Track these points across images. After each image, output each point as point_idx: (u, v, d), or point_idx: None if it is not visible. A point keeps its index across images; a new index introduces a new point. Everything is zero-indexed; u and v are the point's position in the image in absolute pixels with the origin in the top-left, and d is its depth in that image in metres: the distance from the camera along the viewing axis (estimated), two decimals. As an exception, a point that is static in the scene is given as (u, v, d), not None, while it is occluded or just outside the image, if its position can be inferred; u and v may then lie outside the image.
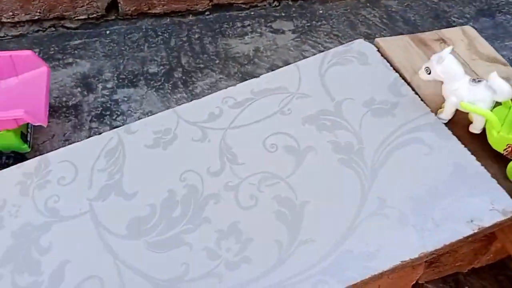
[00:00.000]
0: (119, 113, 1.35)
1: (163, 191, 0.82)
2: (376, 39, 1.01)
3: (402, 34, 1.90)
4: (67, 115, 1.31)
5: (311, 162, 0.80)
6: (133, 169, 0.87)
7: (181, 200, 0.80)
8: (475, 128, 0.82)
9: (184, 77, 1.48)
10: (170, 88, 1.45)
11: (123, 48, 1.60)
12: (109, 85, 1.44)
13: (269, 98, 0.93)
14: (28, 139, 1.08)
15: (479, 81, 0.79)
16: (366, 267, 0.65)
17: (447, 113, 0.83)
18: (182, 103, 1.42)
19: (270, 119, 0.89)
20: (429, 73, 0.81)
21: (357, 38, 1.85)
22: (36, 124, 0.95)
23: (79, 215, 0.80)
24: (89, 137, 1.22)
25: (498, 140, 0.77)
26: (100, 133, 1.19)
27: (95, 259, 0.74)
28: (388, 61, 0.95)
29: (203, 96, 1.38)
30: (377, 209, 0.71)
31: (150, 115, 1.24)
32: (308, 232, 0.71)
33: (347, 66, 0.95)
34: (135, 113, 1.35)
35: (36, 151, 1.21)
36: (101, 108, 1.35)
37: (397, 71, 0.93)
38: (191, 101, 1.32)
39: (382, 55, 0.97)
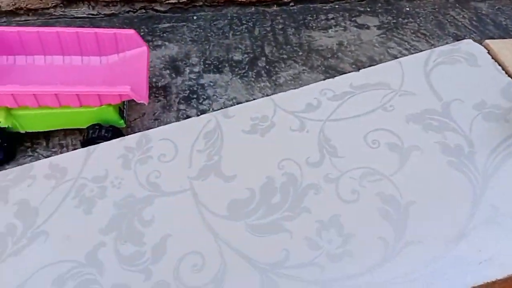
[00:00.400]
0: (205, 97, 1.38)
1: (261, 177, 0.83)
2: (486, 40, 0.96)
3: (493, 38, 1.82)
4: (157, 95, 1.35)
5: (416, 161, 0.78)
6: (231, 153, 0.88)
7: (280, 187, 0.80)
8: None
9: (267, 67, 1.49)
10: (254, 76, 1.46)
11: (209, 34, 1.63)
12: (196, 69, 1.47)
13: (369, 93, 0.92)
14: (124, 115, 1.12)
15: None
16: (478, 274, 0.63)
17: None
18: (266, 92, 1.43)
19: (371, 114, 0.88)
20: None
21: (446, 39, 1.79)
22: (139, 102, 0.99)
23: (180, 192, 0.83)
24: (177, 118, 1.26)
25: None
26: (187, 116, 1.22)
27: (196, 236, 0.76)
28: (499, 64, 0.91)
29: (287, 87, 1.39)
30: (490, 216, 0.68)
31: (235, 102, 1.26)
32: (415, 233, 0.69)
33: (455, 66, 0.91)
34: (220, 98, 1.37)
35: (128, 128, 1.25)
36: (188, 91, 1.39)
37: (509, 75, 0.88)
38: (275, 90, 1.33)
39: (492, 58, 0.93)
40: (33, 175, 0.89)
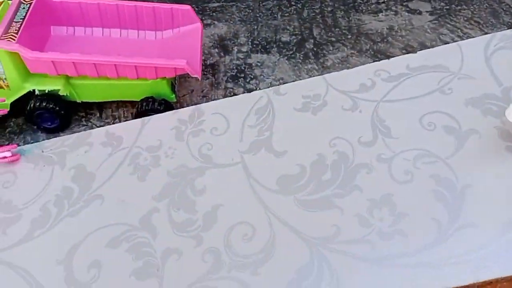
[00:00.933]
0: (252, 76, 1.38)
1: (312, 154, 0.83)
2: (552, 26, 0.92)
3: (551, 28, 1.73)
4: (205, 73, 1.36)
5: (474, 145, 0.76)
6: (282, 129, 0.88)
7: (331, 165, 0.80)
8: None
9: (315, 49, 1.48)
10: (301, 58, 1.45)
11: (257, 15, 1.63)
12: (244, 49, 1.48)
13: (427, 75, 0.89)
14: (176, 90, 1.14)
15: None
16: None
17: None
18: (313, 75, 1.42)
19: (428, 97, 0.85)
20: None
21: (500, 28, 1.72)
22: (193, 76, 1.00)
23: (231, 165, 0.84)
24: (224, 96, 1.27)
25: None
26: (235, 94, 1.23)
27: (246, 207, 0.76)
28: None
29: (334, 70, 1.37)
30: (550, 204, 0.66)
31: (282, 83, 1.26)
32: (470, 216, 0.67)
33: (518, 51, 0.88)
34: (267, 78, 1.37)
35: (177, 103, 1.28)
36: (236, 70, 1.39)
37: None
38: (322, 73, 1.32)
39: (558, 44, 0.88)
40: (90, 142, 0.93)
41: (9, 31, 0.93)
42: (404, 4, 1.71)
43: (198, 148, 0.88)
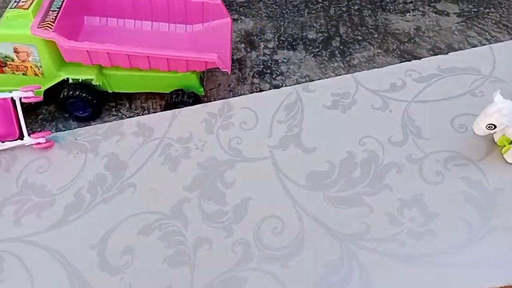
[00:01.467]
0: (278, 73, 1.39)
1: (341, 151, 0.83)
2: None
3: None
4: (232, 68, 1.37)
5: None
6: (311, 126, 0.89)
7: (360, 163, 0.80)
8: None
9: (341, 47, 1.48)
10: (327, 56, 1.45)
11: (284, 11, 1.63)
12: (270, 45, 1.48)
13: (458, 77, 0.89)
14: (204, 83, 1.16)
15: None
16: None
17: None
18: (339, 73, 1.42)
19: (459, 99, 0.85)
20: (494, 128, 0.71)
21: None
22: (223, 70, 1.01)
23: (261, 159, 0.85)
24: (251, 91, 1.28)
25: None
26: (261, 89, 1.24)
27: (276, 201, 0.77)
28: None
29: (360, 68, 1.37)
30: None
31: (308, 80, 1.26)
32: (501, 219, 0.67)
33: (552, 56, 0.87)
34: (293, 75, 1.38)
35: (204, 97, 1.29)
36: (262, 66, 1.40)
37: None
38: (348, 71, 1.32)
39: None
40: (122, 132, 0.94)
41: (46, 20, 0.95)
42: (431, 5, 1.70)
43: (228, 141, 0.89)
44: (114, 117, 1.12)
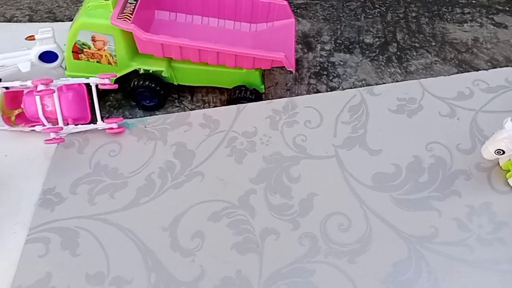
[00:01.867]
0: (335, 75, 1.40)
1: (408, 155, 0.84)
2: None
3: None
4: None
5: None
6: (376, 128, 0.90)
7: (428, 168, 0.80)
8: None
9: (398, 53, 1.47)
10: (384, 61, 1.45)
11: (341, 15, 1.64)
12: (327, 47, 1.50)
13: (528, 89, 0.89)
14: (264, 81, 1.18)
15: None
16: None
17: None
18: (396, 78, 1.42)
19: (530, 111, 0.85)
20: (502, 153, 0.72)
21: None
22: (288, 69, 1.03)
23: (326, 157, 0.87)
24: (308, 91, 1.29)
25: None
26: (317, 90, 1.26)
27: (341, 199, 0.79)
28: None
29: (418, 75, 1.37)
30: None
31: (365, 83, 1.27)
32: None
33: None
34: (350, 78, 1.39)
35: (262, 94, 1.32)
36: (319, 67, 1.42)
37: None
38: (405, 77, 1.32)
39: None
40: (190, 122, 0.98)
41: (124, 11, 1.00)
42: (489, 17, 1.67)
43: (292, 138, 0.91)
44: (177, 108, 1.16)
